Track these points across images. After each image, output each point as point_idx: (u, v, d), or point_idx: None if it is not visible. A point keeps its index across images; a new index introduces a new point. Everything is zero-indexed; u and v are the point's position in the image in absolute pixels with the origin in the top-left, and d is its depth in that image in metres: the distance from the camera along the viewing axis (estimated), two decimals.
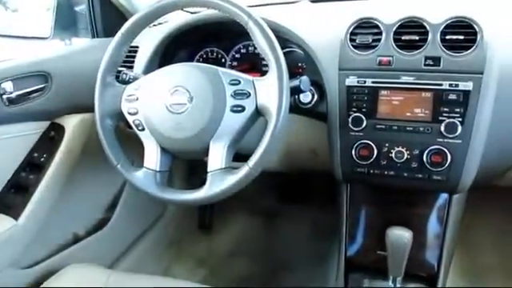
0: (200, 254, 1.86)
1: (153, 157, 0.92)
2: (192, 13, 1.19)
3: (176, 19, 1.20)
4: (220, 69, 0.89)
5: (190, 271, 1.78)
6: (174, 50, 1.24)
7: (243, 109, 0.85)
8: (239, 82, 0.86)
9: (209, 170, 0.86)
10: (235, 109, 0.85)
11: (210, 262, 1.82)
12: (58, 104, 1.21)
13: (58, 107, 1.22)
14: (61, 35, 1.31)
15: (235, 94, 0.85)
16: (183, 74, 0.90)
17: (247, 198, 1.87)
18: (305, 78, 0.92)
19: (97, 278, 1.04)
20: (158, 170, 0.92)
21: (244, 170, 0.83)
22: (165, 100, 0.89)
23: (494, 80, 0.92)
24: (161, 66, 0.99)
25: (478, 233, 1.64)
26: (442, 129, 0.94)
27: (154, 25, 1.22)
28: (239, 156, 0.88)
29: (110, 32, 1.33)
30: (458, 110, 0.93)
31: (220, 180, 0.84)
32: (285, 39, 1.08)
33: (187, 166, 1.86)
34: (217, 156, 0.86)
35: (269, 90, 0.83)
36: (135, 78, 0.99)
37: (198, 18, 1.16)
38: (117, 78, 0.99)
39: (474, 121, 0.92)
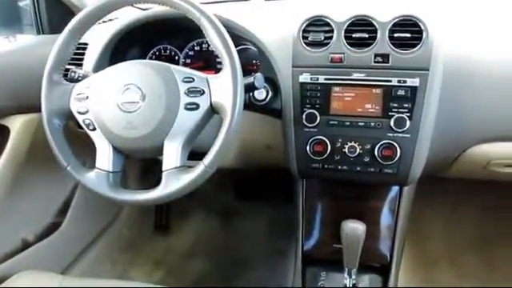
0: (157, 255, 1.82)
1: (105, 157, 0.90)
2: (143, 9, 1.17)
3: (127, 16, 1.17)
4: (173, 66, 0.88)
5: (148, 273, 1.74)
6: (125, 47, 1.21)
7: (197, 106, 0.84)
8: (193, 80, 0.85)
9: (163, 169, 0.84)
10: (189, 107, 0.84)
11: (167, 262, 1.79)
12: (2, 104, 1.15)
13: (2, 107, 1.16)
14: (3, 32, 1.25)
15: (189, 92, 0.84)
16: (135, 71, 0.88)
17: (204, 197, 1.87)
18: (259, 75, 0.93)
19: (49, 284, 0.99)
20: (110, 170, 0.89)
21: (199, 168, 0.82)
22: (116, 98, 0.87)
23: (439, 76, 0.96)
24: (111, 63, 0.97)
25: (427, 223, 1.72)
26: (392, 124, 0.97)
27: (104, 21, 1.19)
28: (194, 154, 0.88)
29: (56, 28, 1.28)
30: (406, 105, 0.96)
31: (175, 179, 0.83)
32: (238, 37, 1.08)
33: (142, 165, 1.83)
34: (171, 155, 0.84)
35: (223, 88, 0.83)
36: (84, 76, 0.96)
37: (149, 15, 1.14)
38: (65, 76, 0.96)
39: (421, 115, 0.96)
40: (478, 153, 1.05)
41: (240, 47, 1.15)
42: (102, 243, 1.70)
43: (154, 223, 1.93)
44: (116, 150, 0.90)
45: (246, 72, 0.91)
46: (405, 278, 1.41)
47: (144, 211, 1.91)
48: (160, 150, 0.85)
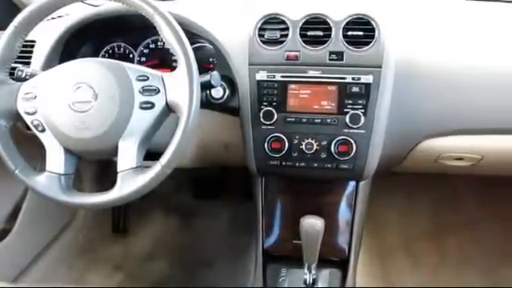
0: (115, 258, 1.78)
1: (56, 159, 0.86)
2: (95, 6, 1.13)
3: (77, 12, 1.13)
4: (126, 64, 0.86)
5: (106, 277, 1.70)
6: (76, 45, 1.17)
7: (153, 105, 0.83)
8: (147, 78, 0.84)
9: (119, 170, 0.83)
10: (144, 105, 0.83)
11: (126, 265, 1.75)
12: None
13: None
14: None
15: (143, 91, 0.83)
16: (86, 69, 0.86)
17: (163, 197, 1.84)
18: (215, 73, 0.93)
19: None
20: (62, 173, 0.86)
21: (156, 168, 0.81)
22: (67, 98, 0.84)
23: (391, 73, 0.99)
24: (62, 62, 0.93)
25: (383, 216, 1.77)
26: (347, 120, 0.99)
27: (53, 18, 1.14)
28: (151, 154, 0.86)
29: (0, 24, 1.21)
30: (360, 101, 0.99)
31: (131, 180, 0.82)
32: (194, 34, 1.07)
33: (97, 167, 1.77)
34: (127, 155, 0.83)
35: (178, 86, 0.82)
36: (32, 75, 0.92)
37: (101, 12, 1.10)
38: (11, 75, 0.92)
39: (374, 112, 0.99)
40: (428, 147, 1.09)
41: (196, 45, 1.14)
42: (57, 249, 1.64)
43: (112, 226, 1.88)
44: (68, 151, 0.87)
45: (203, 70, 0.91)
46: (363, 270, 1.45)
47: (101, 214, 1.86)
48: (115, 151, 0.83)
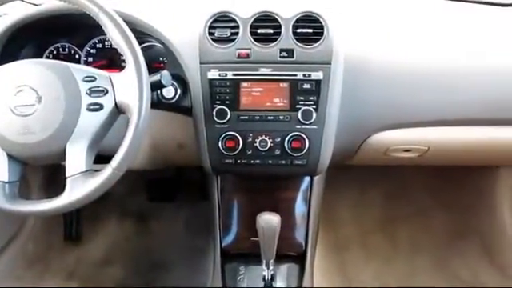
0: (69, 267, 1.72)
1: None
2: (36, 4, 1.08)
3: (17, 11, 1.07)
4: (71, 65, 0.83)
5: (59, 285, 1.64)
6: (16, 46, 1.11)
7: (101, 107, 0.81)
8: (95, 79, 0.82)
9: (67, 174, 0.80)
10: (92, 107, 0.80)
11: (80, 273, 1.70)
12: None
13: None
14: None
15: (91, 92, 0.81)
16: (28, 71, 0.82)
17: (116, 201, 1.79)
18: (165, 73, 0.91)
19: None
20: (6, 180, 0.82)
21: (107, 171, 0.79)
22: (8, 102, 0.80)
23: (341, 70, 1.01)
24: (1, 64, 0.89)
25: (337, 209, 1.82)
26: (299, 116, 1.00)
27: None
28: (101, 157, 0.84)
29: None
30: (311, 98, 1.00)
31: (81, 184, 0.79)
32: (142, 33, 1.05)
33: (46, 172, 1.70)
34: (75, 159, 0.80)
35: (127, 86, 0.80)
36: None
37: (43, 10, 1.05)
38: None
39: (325, 107, 1.00)
40: (378, 140, 1.13)
41: (145, 44, 1.12)
42: (4, 261, 1.56)
43: (64, 233, 1.81)
44: (11, 157, 0.83)
45: (153, 70, 0.89)
46: (319, 264, 1.48)
47: (51, 222, 1.78)
48: (62, 155, 0.80)
